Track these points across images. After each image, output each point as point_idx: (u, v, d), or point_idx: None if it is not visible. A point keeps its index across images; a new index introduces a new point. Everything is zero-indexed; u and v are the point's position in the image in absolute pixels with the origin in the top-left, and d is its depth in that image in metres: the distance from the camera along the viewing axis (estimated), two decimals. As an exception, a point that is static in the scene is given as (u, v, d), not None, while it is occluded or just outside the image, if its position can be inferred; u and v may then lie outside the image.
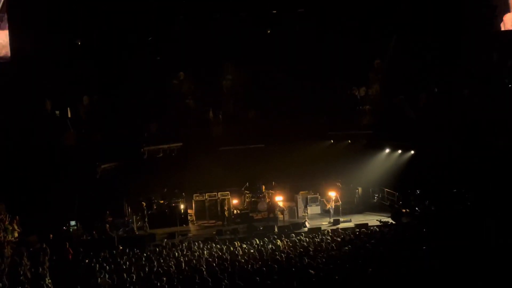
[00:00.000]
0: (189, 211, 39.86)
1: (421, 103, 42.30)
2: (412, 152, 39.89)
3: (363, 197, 40.69)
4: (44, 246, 29.95)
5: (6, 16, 38.58)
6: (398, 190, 38.26)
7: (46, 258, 28.57)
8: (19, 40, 38.57)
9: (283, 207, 38.85)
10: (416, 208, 34.01)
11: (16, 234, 33.44)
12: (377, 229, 30.58)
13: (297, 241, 28.99)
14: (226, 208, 38.97)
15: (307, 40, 42.39)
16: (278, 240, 29.70)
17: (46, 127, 40.21)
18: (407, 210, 34.75)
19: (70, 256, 29.73)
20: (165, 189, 40.49)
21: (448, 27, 40.68)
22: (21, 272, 24.92)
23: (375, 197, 40.67)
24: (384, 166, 41.16)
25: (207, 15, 41.77)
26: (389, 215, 34.97)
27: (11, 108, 38.21)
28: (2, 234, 31.90)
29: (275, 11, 42.26)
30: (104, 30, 40.96)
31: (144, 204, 38.19)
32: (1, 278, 23.70)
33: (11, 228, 33.40)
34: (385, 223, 32.43)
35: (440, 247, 22.11)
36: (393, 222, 32.88)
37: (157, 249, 29.84)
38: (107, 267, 25.40)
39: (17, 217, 34.46)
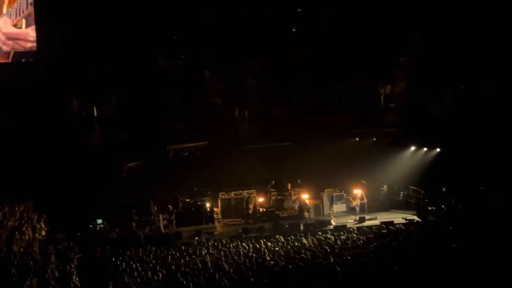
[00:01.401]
0: (215, 209, 39.83)
1: (446, 101, 42.11)
2: (438, 149, 39.71)
3: (389, 194, 40.40)
4: (72, 244, 30.18)
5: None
6: (424, 188, 38.00)
7: (74, 256, 28.76)
8: (46, 40, 38.92)
9: (309, 205, 38.75)
10: (442, 206, 33.86)
11: (43, 233, 33.71)
12: (403, 227, 30.47)
13: (322, 239, 28.94)
14: (252, 206, 38.95)
15: (333, 38, 42.42)
16: (304, 238, 29.83)
17: (72, 125, 40.58)
18: (433, 208, 34.62)
19: (98, 254, 29.89)
20: (195, 188, 40.52)
21: (473, 23, 40.46)
22: (49, 270, 25.07)
23: (401, 195, 40.37)
24: (409, 163, 40.96)
25: (232, 13, 41.94)
26: (415, 213, 34.85)
27: (38, 107, 38.58)
28: (30, 233, 32.17)
29: (300, 9, 42.32)
30: (130, 29, 41.24)
31: (171, 202, 38.24)
32: (28, 276, 23.86)
33: (38, 226, 33.69)
34: (411, 221, 32.26)
35: (466, 245, 22.03)
36: (419, 220, 32.75)
37: (183, 247, 29.91)
38: (134, 265, 25.54)
39: (44, 215, 34.75)
